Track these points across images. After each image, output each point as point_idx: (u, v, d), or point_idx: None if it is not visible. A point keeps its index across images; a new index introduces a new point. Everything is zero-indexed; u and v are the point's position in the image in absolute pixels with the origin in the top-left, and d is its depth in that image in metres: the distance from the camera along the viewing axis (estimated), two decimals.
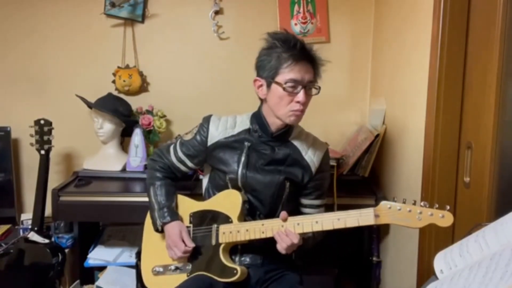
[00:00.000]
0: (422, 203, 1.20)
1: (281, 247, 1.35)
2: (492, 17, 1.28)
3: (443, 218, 1.16)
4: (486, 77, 1.32)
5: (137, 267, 1.94)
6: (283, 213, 1.38)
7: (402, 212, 1.21)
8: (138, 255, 1.77)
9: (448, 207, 1.17)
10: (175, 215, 1.54)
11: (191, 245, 1.48)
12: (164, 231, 1.53)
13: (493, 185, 1.30)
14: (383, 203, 1.25)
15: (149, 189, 1.60)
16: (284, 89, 1.39)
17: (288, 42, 1.41)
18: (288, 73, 1.39)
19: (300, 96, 1.39)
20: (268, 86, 1.44)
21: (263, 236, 1.40)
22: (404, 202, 1.22)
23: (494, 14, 1.27)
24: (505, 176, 1.29)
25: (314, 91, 1.45)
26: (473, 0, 1.43)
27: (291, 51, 1.39)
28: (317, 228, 1.33)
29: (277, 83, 1.40)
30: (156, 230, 1.55)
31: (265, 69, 1.43)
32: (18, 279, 1.96)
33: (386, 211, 1.23)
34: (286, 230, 1.35)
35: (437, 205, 1.18)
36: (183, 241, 1.48)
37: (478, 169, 1.36)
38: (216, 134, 1.54)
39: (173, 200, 1.58)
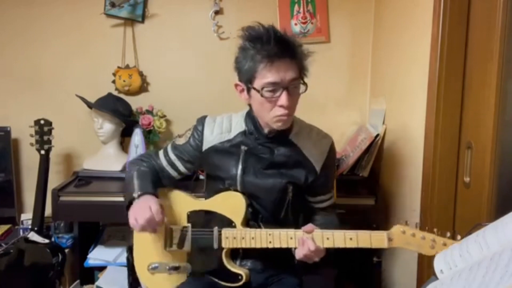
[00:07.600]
0: (435, 230, 1.17)
1: (302, 254, 1.26)
2: (492, 17, 1.28)
3: None
4: (486, 77, 1.31)
5: (128, 261, 1.90)
6: (309, 227, 1.28)
7: (416, 239, 1.19)
8: (130, 249, 1.69)
9: (459, 238, 1.13)
10: (150, 190, 1.35)
11: (159, 216, 1.29)
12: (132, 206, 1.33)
13: (493, 185, 1.30)
14: (396, 227, 1.22)
15: (132, 175, 1.40)
16: (261, 95, 1.24)
17: (259, 40, 1.22)
18: (264, 76, 1.22)
19: (283, 99, 1.23)
20: (248, 91, 1.30)
21: (270, 246, 1.31)
22: (416, 227, 1.20)
23: (494, 14, 1.27)
24: (505, 176, 1.29)
25: (301, 88, 1.28)
26: (473, 0, 1.43)
27: (264, 49, 1.21)
28: (328, 244, 1.27)
29: (255, 89, 1.25)
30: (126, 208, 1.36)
31: (242, 73, 1.28)
32: (18, 279, 1.96)
33: (399, 236, 1.21)
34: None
35: (449, 234, 1.15)
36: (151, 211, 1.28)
37: (478, 169, 1.36)
38: (211, 138, 1.42)
39: (156, 190, 1.39)
